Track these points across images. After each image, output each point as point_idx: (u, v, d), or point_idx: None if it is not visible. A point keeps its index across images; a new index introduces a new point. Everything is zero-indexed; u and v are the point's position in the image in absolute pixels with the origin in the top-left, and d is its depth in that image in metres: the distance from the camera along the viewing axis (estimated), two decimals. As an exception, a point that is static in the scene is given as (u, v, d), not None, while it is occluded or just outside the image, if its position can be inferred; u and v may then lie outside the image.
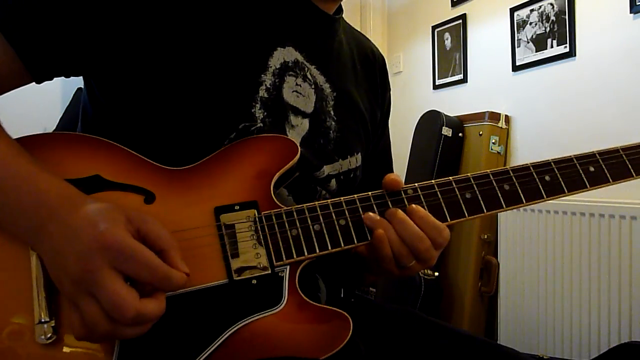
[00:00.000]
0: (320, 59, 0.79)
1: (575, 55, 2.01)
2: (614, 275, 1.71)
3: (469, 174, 0.68)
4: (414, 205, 0.65)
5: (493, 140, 2.25)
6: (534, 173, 0.69)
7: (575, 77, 2.01)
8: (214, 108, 0.67)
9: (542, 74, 2.15)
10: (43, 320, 0.53)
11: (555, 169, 0.69)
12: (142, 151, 0.64)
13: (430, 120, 2.42)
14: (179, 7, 0.66)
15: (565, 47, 2.03)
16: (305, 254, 0.62)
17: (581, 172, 0.70)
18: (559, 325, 1.90)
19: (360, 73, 0.88)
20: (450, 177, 0.68)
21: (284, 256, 0.61)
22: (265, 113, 0.70)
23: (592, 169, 0.70)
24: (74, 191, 0.55)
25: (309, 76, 0.77)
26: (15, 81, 0.64)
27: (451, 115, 2.40)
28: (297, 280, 0.61)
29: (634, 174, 0.71)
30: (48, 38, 0.61)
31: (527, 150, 2.23)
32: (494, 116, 2.27)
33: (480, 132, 2.27)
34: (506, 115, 2.28)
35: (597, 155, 0.71)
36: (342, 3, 0.82)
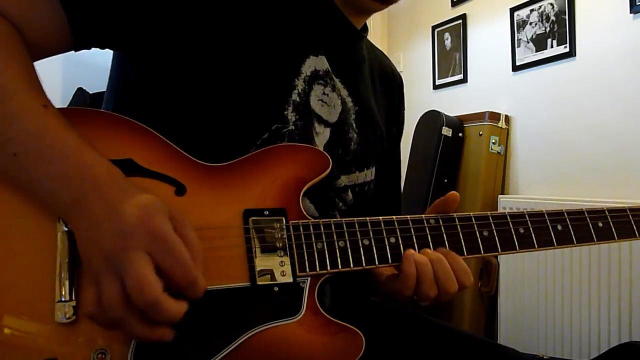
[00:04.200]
0: (345, 73, 0.80)
1: (575, 55, 2.01)
2: (614, 275, 1.71)
3: (488, 213, 0.71)
4: (444, 249, 0.67)
5: (493, 140, 2.25)
6: (547, 220, 0.72)
7: (575, 77, 2.01)
8: (249, 108, 0.68)
9: (542, 74, 2.15)
10: (64, 299, 0.52)
11: (568, 220, 0.73)
12: (174, 142, 0.63)
13: (430, 120, 2.42)
14: (224, 8, 0.67)
15: (565, 47, 2.03)
16: (328, 268, 0.62)
17: (590, 226, 0.74)
18: (559, 325, 1.90)
19: (379, 90, 0.89)
20: (471, 213, 0.70)
21: (307, 268, 0.61)
22: (297, 117, 0.71)
23: (600, 224, 0.74)
24: (118, 171, 0.55)
25: (336, 87, 0.78)
26: (57, 46, 0.64)
27: (451, 115, 2.40)
28: (316, 292, 0.61)
29: (637, 235, 0.76)
30: (99, 5, 0.62)
31: (527, 150, 2.23)
32: (494, 116, 2.27)
33: (480, 132, 2.27)
34: (506, 115, 2.28)
35: (606, 211, 0.75)
36: (366, 21, 0.83)
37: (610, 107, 1.89)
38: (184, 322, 0.53)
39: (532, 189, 2.18)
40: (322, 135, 0.75)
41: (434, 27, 2.75)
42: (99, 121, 0.62)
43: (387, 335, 0.77)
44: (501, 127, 2.26)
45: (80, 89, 1.44)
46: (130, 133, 0.62)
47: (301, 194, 0.65)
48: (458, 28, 2.58)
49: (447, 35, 2.66)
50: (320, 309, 0.61)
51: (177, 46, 0.65)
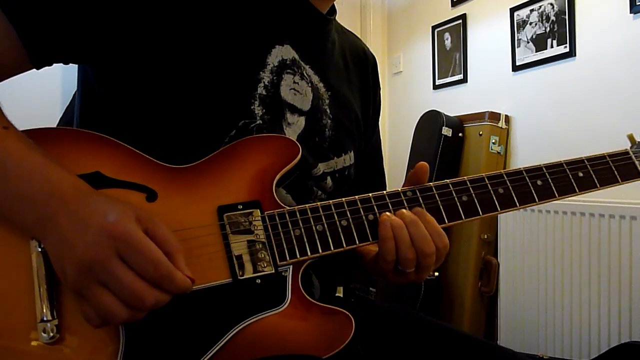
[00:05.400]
0: (314, 59, 0.79)
1: (575, 55, 2.01)
2: (614, 275, 1.71)
3: (465, 177, 0.69)
4: (419, 209, 0.66)
5: (493, 140, 2.25)
6: (526, 177, 0.71)
7: (575, 77, 2.01)
8: (214, 105, 0.67)
9: (542, 74, 2.15)
10: (45, 319, 0.53)
11: (547, 174, 0.72)
12: (141, 148, 0.64)
13: (430, 120, 2.42)
14: (179, 4, 0.67)
15: (565, 47, 2.03)
16: (309, 254, 0.62)
17: (571, 177, 0.72)
18: (559, 325, 1.90)
19: (353, 72, 0.89)
20: (447, 180, 0.69)
21: (287, 256, 0.61)
22: (264, 110, 0.71)
23: (581, 174, 0.73)
24: (85, 185, 0.55)
25: (306, 75, 0.77)
26: (15, 68, 0.63)
27: (451, 115, 2.40)
28: (299, 280, 0.61)
29: (619, 180, 0.75)
30: (50, 20, 0.61)
31: (527, 150, 2.23)
32: (494, 116, 2.27)
33: (480, 132, 2.27)
34: (506, 115, 2.28)
35: (585, 161, 0.74)
36: (340, 3, 0.83)
37: (610, 107, 1.89)
38: (171, 324, 0.54)
39: (532, 189, 2.18)
40: (296, 125, 0.75)
41: (434, 27, 2.75)
42: (64, 138, 0.62)
43: (385, 335, 0.78)
44: (501, 127, 2.26)
45: (80, 89, 1.44)
46: (95, 146, 0.62)
47: (274, 183, 0.65)
48: (458, 28, 2.58)
49: (447, 35, 2.66)
50: (306, 295, 0.61)
51: (137, 49, 0.65)
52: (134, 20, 0.64)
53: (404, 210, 0.66)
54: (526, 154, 2.23)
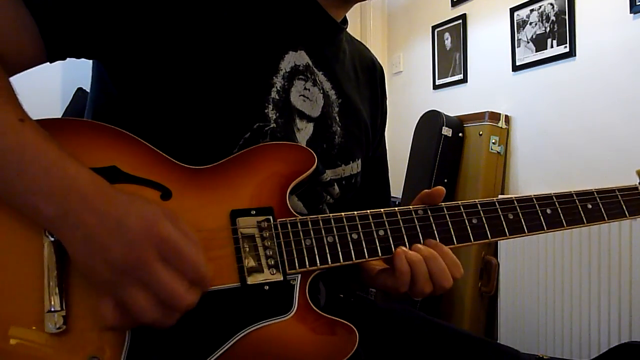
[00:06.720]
0: (327, 66, 0.80)
1: (575, 55, 2.01)
2: (613, 275, 1.72)
3: (476, 200, 0.71)
4: (433, 241, 0.67)
5: (493, 140, 2.25)
6: (536, 205, 0.72)
7: (575, 77, 2.01)
8: (229, 108, 0.68)
9: (542, 74, 2.15)
10: (53, 309, 0.52)
11: (557, 203, 0.73)
12: (156, 147, 0.63)
13: (430, 120, 2.42)
14: (196, 7, 0.67)
15: (565, 47, 2.03)
16: (318, 264, 0.62)
17: (580, 208, 0.74)
18: (559, 325, 1.90)
19: (362, 81, 0.89)
20: (459, 202, 0.70)
21: (296, 265, 0.61)
22: (277, 114, 0.71)
23: (589, 206, 0.74)
24: (102, 180, 0.55)
25: (318, 81, 0.77)
26: (31, 59, 0.63)
27: (451, 115, 2.40)
28: (307, 289, 0.62)
29: (627, 215, 0.76)
30: (71, 14, 0.61)
31: (527, 150, 2.23)
32: (494, 116, 2.27)
33: (480, 132, 2.27)
34: (506, 115, 2.28)
35: (595, 193, 0.75)
36: (347, 14, 0.83)
37: (610, 107, 1.89)
38: (177, 325, 0.54)
39: (532, 189, 2.18)
40: (304, 131, 0.75)
41: (434, 27, 2.75)
42: (81, 130, 0.62)
43: (386, 335, 0.78)
44: (501, 127, 2.27)
45: (80, 89, 1.44)
46: (113, 140, 0.62)
47: (288, 191, 0.65)
48: (458, 28, 2.58)
49: (447, 35, 2.66)
50: (312, 306, 0.61)
51: (153, 51, 0.65)
52: (151, 20, 0.64)
53: (419, 245, 0.66)
54: (526, 154, 2.23)
